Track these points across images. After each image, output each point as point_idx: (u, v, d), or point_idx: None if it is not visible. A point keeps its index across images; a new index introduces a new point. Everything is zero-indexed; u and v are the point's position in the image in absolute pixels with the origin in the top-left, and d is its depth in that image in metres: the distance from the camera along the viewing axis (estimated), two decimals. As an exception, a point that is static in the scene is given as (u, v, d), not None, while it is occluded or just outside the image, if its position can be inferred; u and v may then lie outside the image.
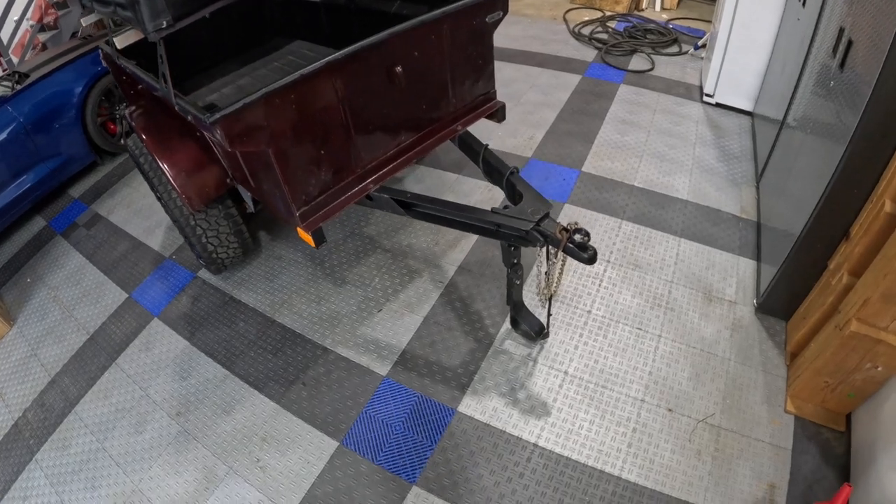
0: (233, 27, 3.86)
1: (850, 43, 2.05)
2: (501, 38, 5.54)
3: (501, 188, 2.55)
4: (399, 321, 2.90)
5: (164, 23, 1.84)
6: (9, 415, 2.87)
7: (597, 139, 3.99)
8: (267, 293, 3.18)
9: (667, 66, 4.79)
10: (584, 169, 3.73)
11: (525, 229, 2.14)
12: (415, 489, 2.28)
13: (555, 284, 2.28)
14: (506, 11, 2.65)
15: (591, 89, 4.57)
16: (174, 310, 3.21)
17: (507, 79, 4.79)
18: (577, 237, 1.96)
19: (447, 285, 3.04)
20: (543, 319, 2.65)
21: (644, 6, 5.84)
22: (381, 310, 2.97)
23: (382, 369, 2.70)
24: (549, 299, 2.42)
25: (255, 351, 2.89)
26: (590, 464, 2.27)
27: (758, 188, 3.42)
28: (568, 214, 3.38)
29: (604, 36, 5.31)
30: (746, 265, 3.00)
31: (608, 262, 3.07)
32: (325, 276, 3.22)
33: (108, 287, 3.42)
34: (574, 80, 4.71)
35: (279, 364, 2.81)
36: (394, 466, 2.36)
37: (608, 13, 5.77)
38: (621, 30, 5.34)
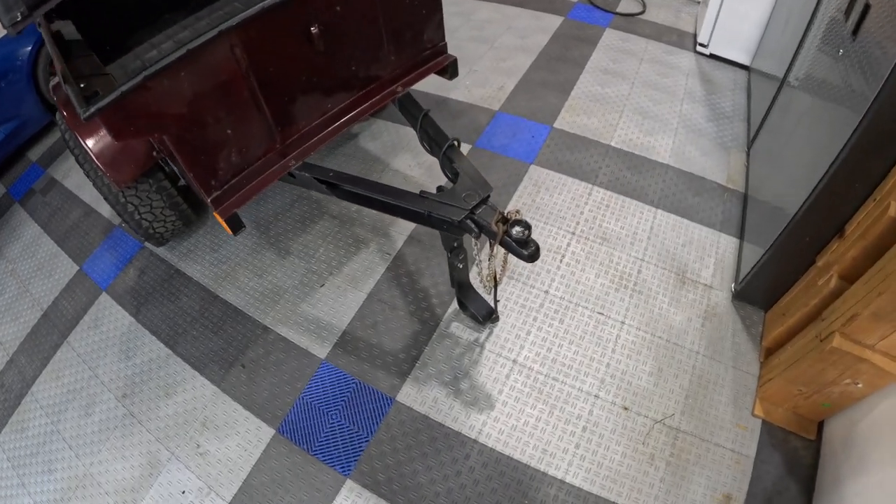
0: None
1: (867, 7, 1.58)
2: None
3: (440, 163, 2.29)
4: (341, 298, 2.78)
5: (19, 15, 1.61)
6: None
7: (574, 90, 3.61)
8: (211, 265, 3.10)
9: (659, 10, 4.28)
10: (556, 125, 3.39)
11: (457, 219, 1.92)
12: (349, 483, 2.28)
13: (498, 273, 2.07)
14: None
15: (574, 33, 4.12)
16: (121, 283, 3.20)
17: (481, 21, 4.40)
18: (516, 231, 1.72)
19: (394, 258, 2.87)
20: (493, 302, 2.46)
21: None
22: (323, 284, 2.85)
23: (321, 352, 2.63)
24: (495, 285, 2.21)
25: (198, 329, 2.87)
26: (532, 464, 2.18)
27: (748, 154, 3.06)
28: (533, 177, 3.10)
29: None
30: (727, 243, 2.70)
31: (573, 234, 2.82)
32: (269, 245, 3.09)
33: (61, 259, 3.43)
34: (555, 22, 4.26)
35: (220, 344, 2.79)
36: (329, 458, 2.35)
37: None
38: None
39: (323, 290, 2.84)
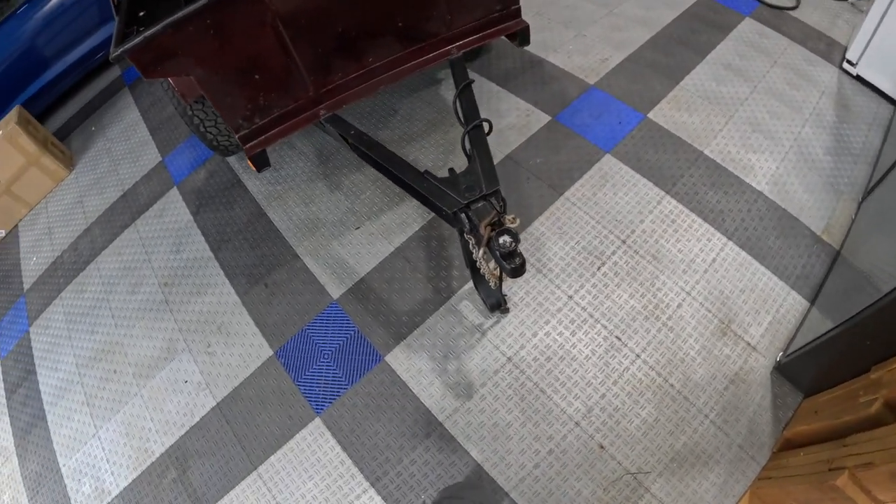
0: None
1: None
2: None
3: (461, 140, 2.41)
4: (370, 245, 3.06)
5: None
6: (52, 252, 3.89)
7: (684, 80, 3.43)
8: (268, 183, 3.54)
9: (815, 9, 3.82)
10: (650, 115, 3.26)
11: (450, 210, 2.07)
12: (317, 420, 2.62)
13: (489, 272, 2.12)
14: None
15: (707, 15, 3.84)
16: (191, 182, 3.80)
17: None
18: (503, 240, 1.80)
19: (431, 219, 3.06)
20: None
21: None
22: (358, 227, 3.15)
23: (335, 292, 2.96)
24: (500, 280, 2.34)
25: (239, 240, 3.36)
26: (485, 467, 2.33)
27: (859, 206, 2.73)
28: (604, 168, 3.06)
29: None
30: (794, 305, 2.51)
31: (623, 242, 2.77)
32: (323, 176, 3.45)
33: (149, 148, 4.15)
34: None
35: (253, 259, 3.24)
36: (308, 392, 2.71)
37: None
38: None
39: (356, 233, 3.14)
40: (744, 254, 2.69)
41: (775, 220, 2.80)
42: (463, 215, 2.01)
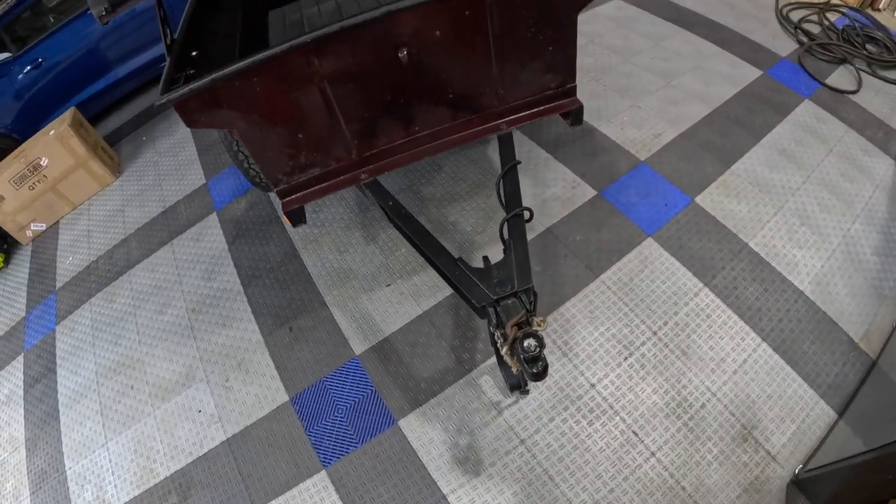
0: None
1: None
2: None
3: (499, 227, 2.54)
4: (398, 305, 3.25)
5: (103, 9, 2.25)
6: (88, 256, 4.19)
7: (736, 164, 3.57)
8: (305, 224, 3.77)
9: (876, 95, 3.97)
10: (698, 199, 3.41)
11: (478, 303, 2.17)
12: (322, 473, 2.79)
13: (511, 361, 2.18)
14: None
15: (765, 94, 4.01)
16: (231, 210, 4.08)
17: (669, 50, 4.47)
18: (527, 344, 1.90)
19: (462, 287, 3.27)
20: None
21: (882, 6, 4.77)
22: (389, 285, 3.35)
23: (358, 347, 3.15)
24: (521, 365, 2.47)
25: (270, 278, 3.60)
26: (478, 549, 2.49)
27: None
28: (644, 252, 3.21)
29: (815, 29, 4.59)
30: (821, 415, 2.59)
31: (654, 334, 2.90)
32: (361, 225, 3.68)
33: (195, 167, 4.47)
34: (751, 74, 4.18)
35: (282, 300, 3.47)
36: (318, 444, 2.89)
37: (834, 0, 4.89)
38: (839, 27, 4.54)
39: (386, 290, 3.34)
40: (776, 357, 2.79)
41: (813, 323, 2.89)
42: (492, 310, 2.13)
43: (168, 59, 2.58)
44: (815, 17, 4.75)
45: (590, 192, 3.54)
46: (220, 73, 2.18)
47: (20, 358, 3.98)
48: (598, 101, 4.11)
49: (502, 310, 2.11)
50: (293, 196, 2.70)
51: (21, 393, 3.79)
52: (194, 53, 2.93)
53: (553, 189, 3.60)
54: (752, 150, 3.68)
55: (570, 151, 3.79)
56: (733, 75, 4.21)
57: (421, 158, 2.79)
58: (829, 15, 4.76)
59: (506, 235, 2.48)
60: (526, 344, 1.91)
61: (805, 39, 4.50)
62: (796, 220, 3.29)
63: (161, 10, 2.71)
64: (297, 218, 2.76)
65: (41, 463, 3.38)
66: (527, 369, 1.92)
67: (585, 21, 2.82)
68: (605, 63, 4.45)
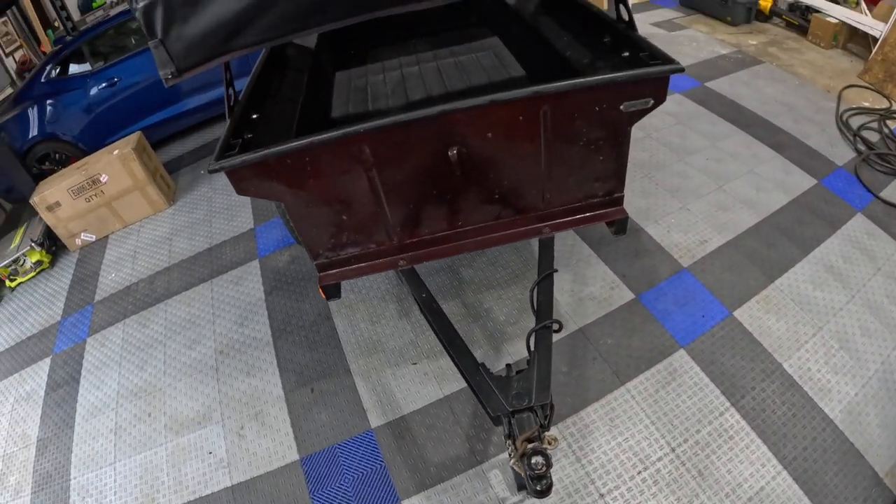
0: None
1: None
2: (750, 95, 5.46)
3: (527, 335, 2.74)
4: (421, 385, 3.51)
5: (169, 74, 2.48)
6: (130, 277, 4.59)
7: (780, 279, 3.71)
8: (342, 288, 4.14)
9: None
10: (736, 313, 3.56)
11: (496, 413, 2.35)
12: (317, 542, 3.05)
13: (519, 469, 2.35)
14: (659, 100, 2.56)
15: (818, 205, 4.19)
16: (274, 260, 4.45)
17: (724, 152, 4.76)
18: (536, 461, 2.07)
19: (487, 379, 3.54)
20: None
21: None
22: (416, 363, 3.62)
23: (375, 420, 3.40)
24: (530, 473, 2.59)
25: (301, 336, 3.91)
26: None
27: None
28: (674, 364, 3.37)
29: (874, 137, 4.78)
30: None
31: (672, 450, 3.07)
32: (396, 298, 4.00)
33: (246, 211, 4.89)
34: (805, 183, 4.39)
35: (308, 360, 3.76)
36: (319, 511, 3.16)
37: (897, 108, 5.09)
38: None
39: (411, 368, 3.60)
40: (796, 487, 2.85)
41: (839, 455, 2.94)
42: (506, 420, 2.29)
43: (228, 124, 2.86)
44: (875, 125, 4.93)
45: (627, 296, 3.73)
46: (273, 149, 2.45)
47: (48, 360, 4.37)
48: (648, 199, 4.38)
49: (517, 422, 2.27)
50: (330, 272, 2.99)
51: (42, 393, 4.15)
52: (255, 116, 3.21)
53: (591, 288, 3.84)
54: (798, 264, 3.80)
55: (613, 250, 4.02)
56: (786, 183, 4.42)
57: (460, 253, 3.04)
58: (889, 123, 4.96)
59: (531, 347, 2.65)
60: (533, 461, 2.07)
61: (863, 148, 4.68)
62: (835, 343, 3.38)
63: (227, 74, 2.99)
64: (332, 293, 3.04)
65: (48, 466, 3.68)
66: (530, 485, 2.09)
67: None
68: (660, 160, 4.75)
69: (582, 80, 2.45)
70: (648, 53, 2.58)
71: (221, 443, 3.47)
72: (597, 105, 2.52)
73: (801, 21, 6.63)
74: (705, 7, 7.47)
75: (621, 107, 2.52)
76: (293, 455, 3.34)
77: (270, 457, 3.35)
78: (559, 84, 2.43)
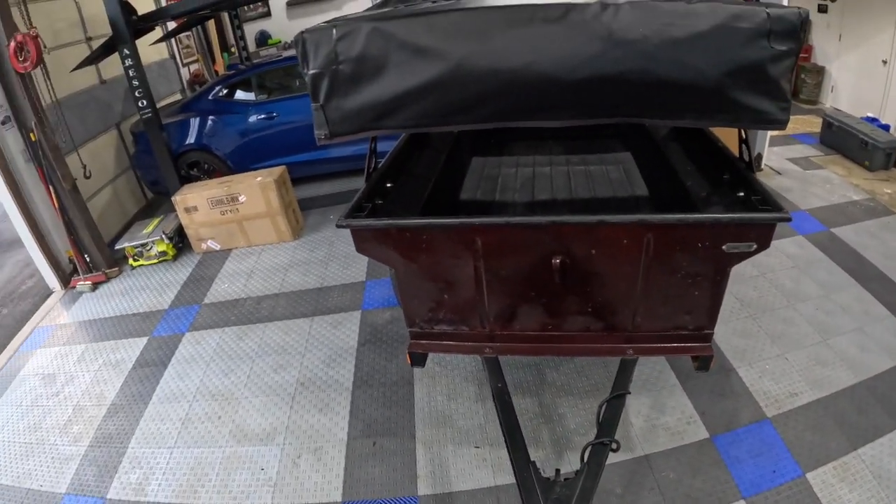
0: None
1: None
2: (875, 248, 5.52)
3: (581, 451, 2.93)
4: (477, 469, 3.79)
5: (323, 135, 3.04)
6: (241, 292, 5.41)
7: (863, 448, 3.66)
8: (431, 359, 4.37)
9: None
10: (809, 475, 3.53)
11: None
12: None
13: None
14: (763, 246, 2.74)
15: None
16: (375, 316, 5.02)
17: (836, 304, 4.81)
18: None
19: (543, 486, 3.83)
20: None
21: None
22: (478, 447, 3.93)
23: (423, 489, 3.70)
24: None
25: (379, 392, 4.36)
26: None
27: None
28: None
29: None
30: None
31: None
32: (477, 381, 4.37)
33: (361, 264, 5.57)
34: None
35: (379, 415, 4.18)
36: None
37: None
38: None
39: (473, 451, 3.90)
40: None
41: None
42: None
43: (363, 187, 3.42)
44: None
45: (702, 434, 3.82)
46: (396, 222, 3.03)
47: (145, 339, 5.19)
48: (747, 340, 4.51)
49: None
50: (421, 341, 3.45)
51: (129, 366, 4.92)
52: (388, 185, 3.77)
53: (667, 418, 3.98)
54: (886, 435, 3.77)
55: (698, 384, 4.16)
56: (894, 346, 4.42)
57: (543, 355, 3.45)
58: None
59: (585, 458, 2.86)
60: None
61: None
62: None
63: (373, 143, 3.62)
64: (418, 360, 3.49)
65: (112, 428, 4.34)
66: None
67: (765, 252, 3.10)
68: (768, 302, 4.89)
69: (687, 216, 2.80)
70: (761, 198, 2.81)
71: (275, 464, 3.92)
72: (699, 242, 2.76)
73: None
74: (844, 148, 7.64)
75: (724, 247, 2.73)
76: (336, 496, 3.71)
77: (316, 492, 3.74)
78: (664, 216, 2.74)
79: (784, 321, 4.73)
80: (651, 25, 2.48)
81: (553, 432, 3.97)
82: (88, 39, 7.87)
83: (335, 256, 5.86)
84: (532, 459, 2.85)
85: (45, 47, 5.72)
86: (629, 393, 3.18)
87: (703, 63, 2.49)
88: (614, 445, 2.84)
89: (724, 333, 3.92)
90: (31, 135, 5.87)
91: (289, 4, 12.94)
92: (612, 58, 2.55)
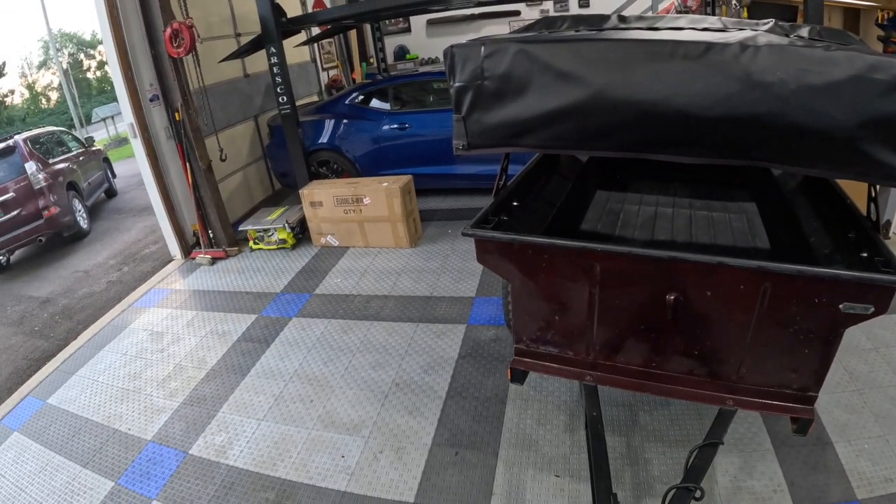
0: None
1: None
2: None
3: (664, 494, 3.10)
4: (552, 497, 3.97)
5: (461, 146, 3.45)
6: (352, 289, 6.04)
7: None
8: (526, 382, 4.78)
9: None
10: None
11: None
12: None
13: None
14: (880, 310, 2.78)
15: None
16: (479, 332, 5.39)
17: None
18: None
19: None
20: None
21: None
22: (558, 476, 4.15)
23: None
24: None
25: (471, 405, 4.68)
26: None
27: None
28: None
29: None
30: None
31: None
32: (570, 412, 4.59)
33: (473, 280, 6.09)
34: None
35: (467, 427, 4.50)
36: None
37: None
38: None
39: (552, 479, 4.12)
40: None
41: None
42: None
43: (492, 201, 3.83)
44: None
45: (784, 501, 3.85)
46: (521, 237, 3.36)
47: (254, 317, 5.95)
48: (850, 415, 4.46)
49: None
50: (524, 359, 3.78)
51: (235, 338, 5.67)
52: (515, 203, 4.18)
53: (754, 482, 4.01)
54: None
55: (792, 453, 4.17)
56: None
57: (643, 392, 3.60)
58: None
59: (667, 501, 3.04)
60: None
61: None
62: None
63: (505, 161, 4.01)
64: (518, 377, 3.82)
65: (207, 391, 5.02)
66: None
67: (881, 325, 3.01)
68: (878, 379, 4.79)
69: (806, 268, 2.84)
70: (884, 259, 2.87)
71: (357, 454, 4.34)
72: (816, 297, 2.86)
73: None
74: None
75: (840, 306, 2.82)
76: (409, 496, 4.04)
77: (390, 488, 4.10)
78: (784, 266, 2.84)
79: (892, 401, 4.65)
80: (788, 70, 2.69)
81: (636, 475, 4.14)
82: (237, 35, 9.19)
83: (448, 269, 6.37)
84: (614, 492, 3.06)
85: (198, 37, 6.76)
86: (722, 443, 3.30)
87: (836, 112, 2.66)
88: (698, 493, 2.98)
89: (828, 404, 3.97)
90: (177, 114, 6.96)
91: (429, 22, 14.11)
92: (747, 99, 2.78)
